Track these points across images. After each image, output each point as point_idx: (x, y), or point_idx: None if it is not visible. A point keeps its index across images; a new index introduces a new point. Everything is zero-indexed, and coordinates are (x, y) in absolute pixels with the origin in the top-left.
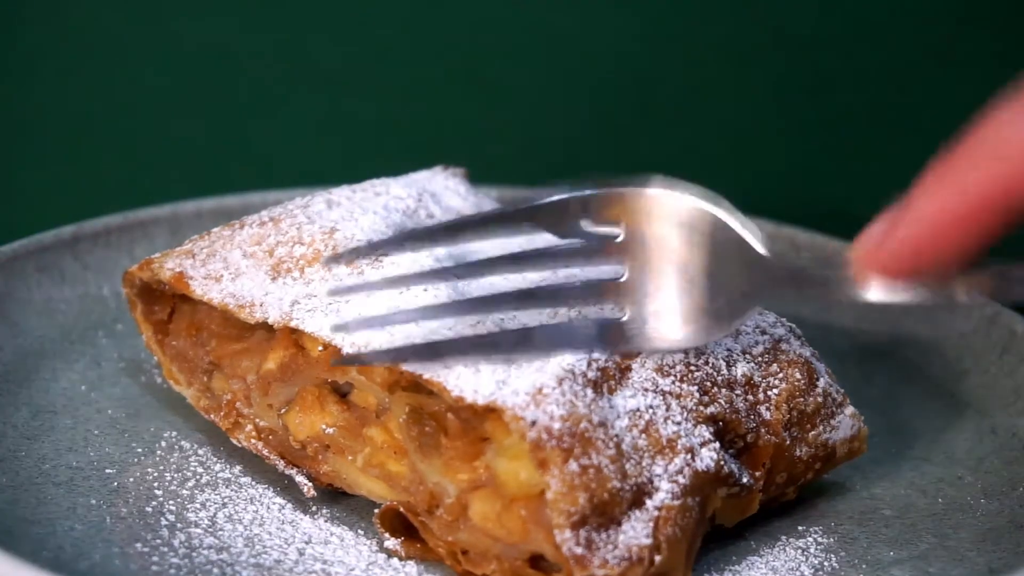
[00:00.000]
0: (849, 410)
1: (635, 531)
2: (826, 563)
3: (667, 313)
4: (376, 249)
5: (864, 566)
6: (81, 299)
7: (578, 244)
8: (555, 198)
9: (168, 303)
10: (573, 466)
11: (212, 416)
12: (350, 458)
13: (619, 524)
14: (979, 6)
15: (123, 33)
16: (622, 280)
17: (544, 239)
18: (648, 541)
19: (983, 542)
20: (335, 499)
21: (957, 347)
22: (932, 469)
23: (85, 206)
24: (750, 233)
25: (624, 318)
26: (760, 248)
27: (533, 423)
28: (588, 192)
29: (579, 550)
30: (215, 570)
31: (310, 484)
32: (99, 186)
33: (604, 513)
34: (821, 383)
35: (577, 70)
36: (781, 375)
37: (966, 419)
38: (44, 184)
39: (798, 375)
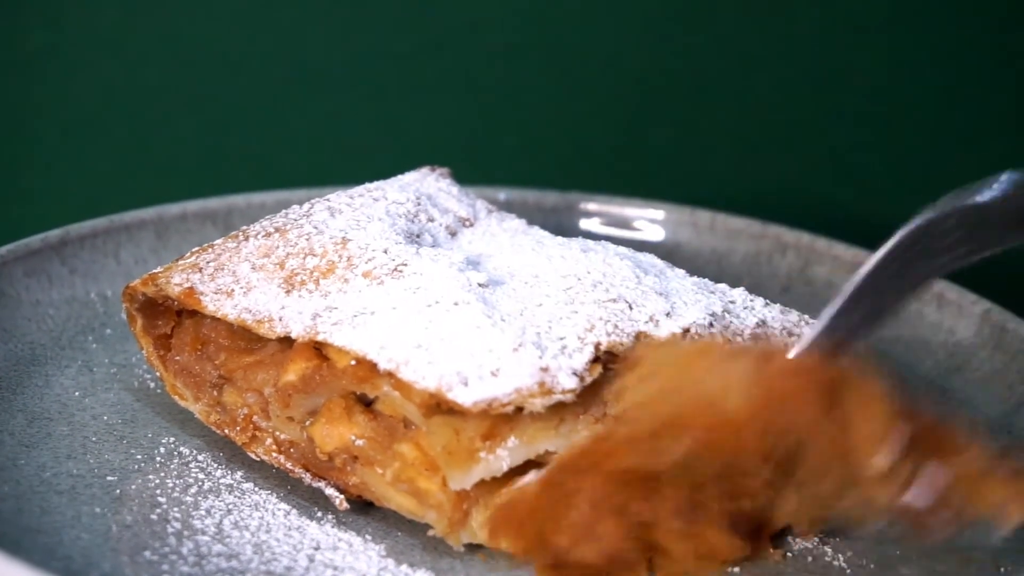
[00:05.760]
0: None
1: None
2: (834, 561)
3: None
4: None
5: (872, 565)
6: (69, 303)
7: None
8: None
9: (171, 317)
10: None
11: (226, 431)
12: (379, 471)
13: None
14: (979, 6)
15: (108, 38)
16: None
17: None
18: None
19: None
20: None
21: (948, 344)
22: None
23: (70, 209)
24: None
25: None
26: None
27: None
28: None
29: None
30: None
31: (341, 496)
32: (83, 189)
33: None
34: None
35: (576, 70)
36: None
37: (960, 416)
38: (30, 188)
39: None
